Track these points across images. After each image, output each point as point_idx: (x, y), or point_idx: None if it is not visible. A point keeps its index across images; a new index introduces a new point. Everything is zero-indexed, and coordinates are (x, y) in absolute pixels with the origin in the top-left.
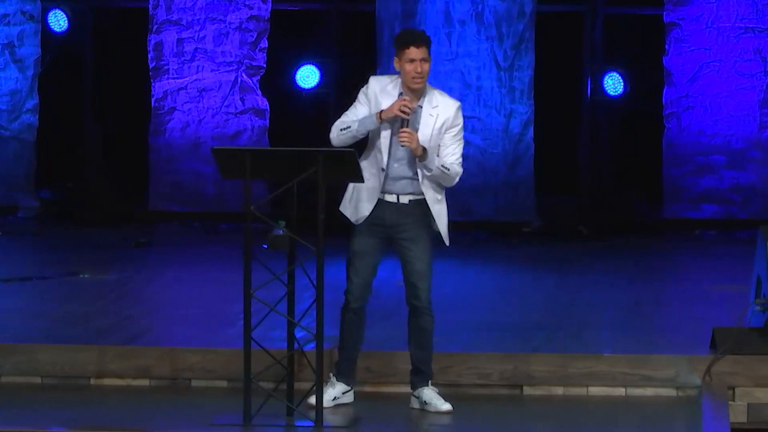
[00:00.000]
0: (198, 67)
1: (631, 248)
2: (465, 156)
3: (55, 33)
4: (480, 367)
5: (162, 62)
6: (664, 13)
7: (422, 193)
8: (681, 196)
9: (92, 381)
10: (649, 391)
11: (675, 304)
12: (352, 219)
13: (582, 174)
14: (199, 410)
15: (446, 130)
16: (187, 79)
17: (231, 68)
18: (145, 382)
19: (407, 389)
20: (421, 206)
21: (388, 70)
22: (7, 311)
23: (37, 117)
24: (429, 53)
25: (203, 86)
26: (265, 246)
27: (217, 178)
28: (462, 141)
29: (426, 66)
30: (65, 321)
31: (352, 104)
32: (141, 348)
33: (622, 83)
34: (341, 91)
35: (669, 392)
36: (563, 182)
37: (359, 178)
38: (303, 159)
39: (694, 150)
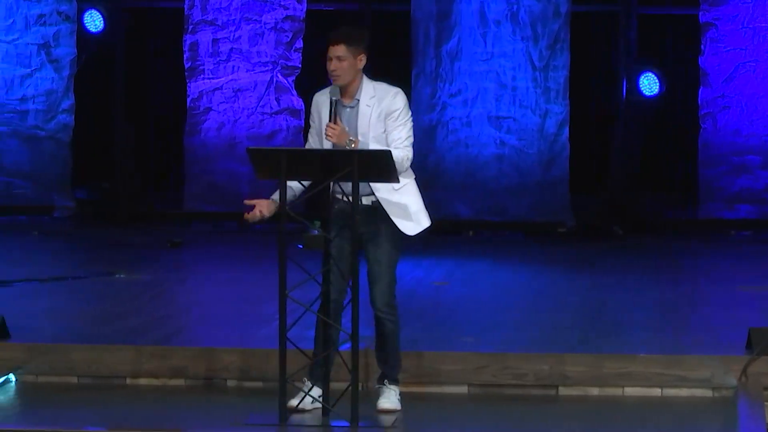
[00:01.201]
0: (233, 67)
1: (665, 248)
2: (500, 156)
3: (91, 33)
4: (515, 367)
5: (197, 62)
6: (700, 13)
7: (372, 193)
8: (716, 196)
9: (128, 381)
10: (684, 392)
11: (710, 304)
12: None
13: (617, 174)
14: (234, 410)
15: (387, 116)
16: (222, 79)
17: (266, 68)
18: (180, 382)
19: (441, 389)
20: (376, 207)
21: (423, 70)
22: (43, 311)
23: (73, 117)
24: (350, 50)
25: (239, 86)
26: (300, 246)
27: (252, 178)
28: (408, 123)
29: (342, 64)
30: (101, 321)
31: None
32: (176, 348)
33: (658, 83)
34: None
35: (704, 393)
36: (598, 182)
37: (394, 178)
38: (338, 159)
39: (730, 150)
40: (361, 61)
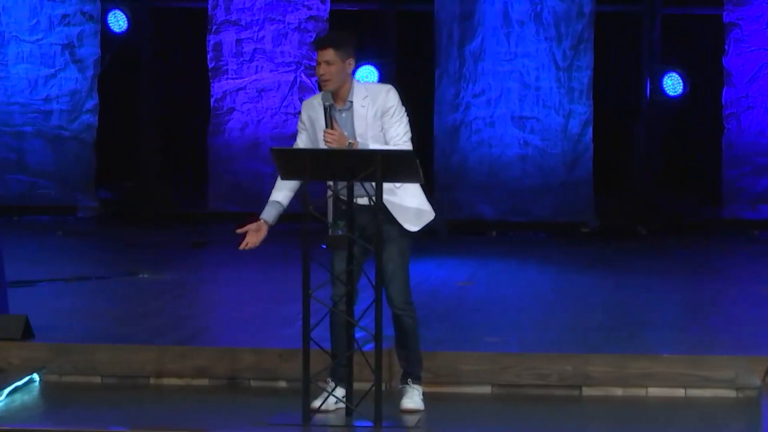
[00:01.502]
0: (257, 67)
1: (689, 249)
2: (523, 157)
3: (115, 33)
4: (539, 367)
5: (221, 62)
6: (724, 13)
7: (367, 194)
8: (739, 196)
9: (151, 380)
10: (708, 392)
11: (734, 304)
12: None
13: (640, 174)
14: (257, 410)
15: (382, 115)
16: (246, 79)
17: (290, 68)
18: (204, 382)
19: (465, 389)
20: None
21: (446, 71)
22: (67, 311)
23: (97, 117)
24: (339, 54)
25: (262, 86)
26: (324, 246)
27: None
28: (404, 119)
29: (330, 68)
30: (124, 321)
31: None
32: (200, 348)
33: (682, 83)
34: (399, 90)
35: (728, 393)
36: (621, 183)
37: (418, 178)
38: (361, 159)
39: (754, 150)
40: (350, 65)
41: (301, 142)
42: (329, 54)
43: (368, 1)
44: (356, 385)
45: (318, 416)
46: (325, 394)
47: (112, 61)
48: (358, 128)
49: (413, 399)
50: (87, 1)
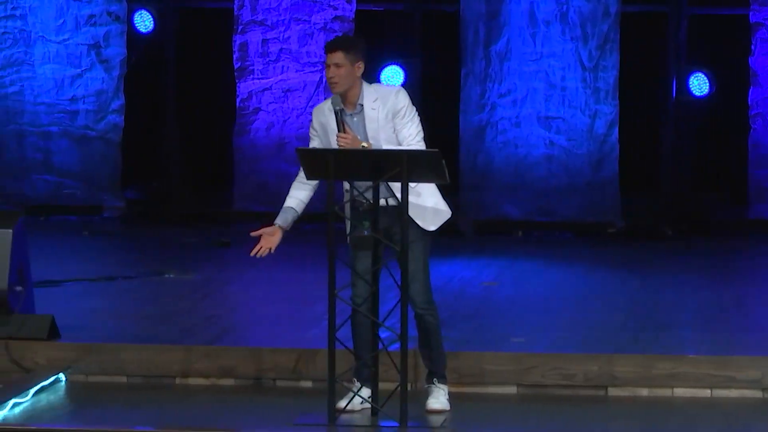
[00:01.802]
0: (283, 67)
1: (715, 249)
2: (549, 157)
3: (141, 33)
4: (564, 368)
5: (247, 63)
6: (750, 13)
7: (393, 194)
8: (766, 196)
9: (177, 380)
10: (734, 393)
11: (760, 305)
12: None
13: (666, 175)
14: (283, 410)
15: (393, 116)
16: (271, 79)
17: (316, 68)
18: (230, 382)
19: (491, 389)
20: (400, 206)
21: (472, 71)
22: (93, 311)
23: (123, 117)
24: (348, 57)
25: (288, 86)
26: (349, 246)
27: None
28: (415, 119)
29: (339, 70)
30: (150, 320)
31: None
32: (226, 348)
33: (708, 84)
34: (426, 90)
35: (754, 394)
36: (647, 183)
37: (444, 179)
38: (387, 159)
39: None
40: (359, 68)
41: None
42: (338, 57)
43: (394, 1)
44: (382, 386)
45: (343, 416)
46: (351, 395)
47: (138, 61)
48: (370, 131)
49: (439, 399)
50: (113, 2)
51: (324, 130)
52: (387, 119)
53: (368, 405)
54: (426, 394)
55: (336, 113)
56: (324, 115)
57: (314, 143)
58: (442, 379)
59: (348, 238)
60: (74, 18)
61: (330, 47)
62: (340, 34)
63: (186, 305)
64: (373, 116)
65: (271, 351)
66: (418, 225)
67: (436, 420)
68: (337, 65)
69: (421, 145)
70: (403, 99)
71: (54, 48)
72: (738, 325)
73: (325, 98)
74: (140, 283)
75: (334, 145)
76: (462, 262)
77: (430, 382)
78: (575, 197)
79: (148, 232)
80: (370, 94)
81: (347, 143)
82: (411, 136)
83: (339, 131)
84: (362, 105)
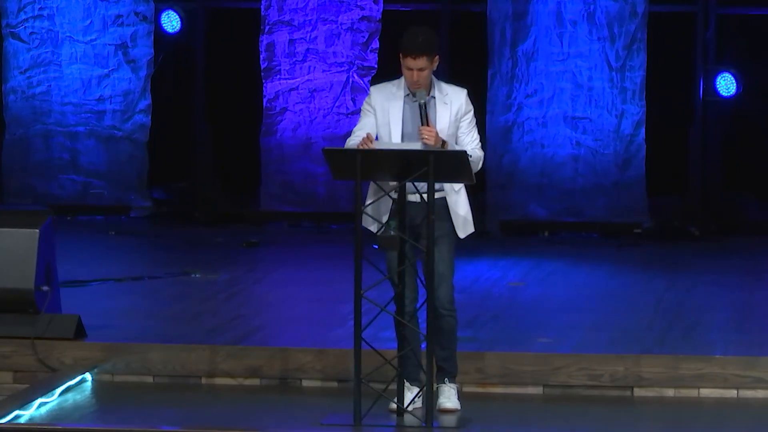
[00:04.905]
0: (309, 67)
1: (742, 250)
2: (576, 157)
3: (168, 34)
4: (591, 368)
5: (274, 63)
6: None
7: (442, 189)
8: None
9: (203, 380)
10: (760, 393)
11: None
12: (374, 228)
13: (693, 175)
14: (309, 410)
15: (461, 118)
16: (298, 79)
17: (342, 69)
18: (256, 382)
19: (517, 390)
20: (441, 203)
21: (499, 71)
22: (120, 311)
23: (150, 117)
24: (430, 60)
25: (315, 87)
26: (376, 246)
27: (329, 178)
28: (476, 126)
29: (423, 73)
30: (177, 320)
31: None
32: (252, 348)
33: (735, 84)
34: None
35: None
36: (674, 183)
37: (470, 178)
38: (413, 159)
39: None
40: (437, 62)
41: (366, 125)
42: (423, 62)
43: (421, 1)
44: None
45: (369, 417)
46: (408, 394)
47: (165, 62)
48: (440, 124)
49: (451, 399)
50: (140, 2)
51: (384, 111)
52: (456, 117)
53: (418, 405)
54: (437, 394)
55: (420, 106)
56: (388, 99)
57: (368, 119)
58: (453, 379)
59: (376, 238)
60: (101, 18)
61: (414, 52)
62: (419, 36)
63: (212, 305)
64: (445, 112)
65: (297, 351)
66: (451, 220)
67: (449, 420)
68: (422, 69)
69: (480, 152)
70: (470, 104)
71: (81, 48)
72: (765, 325)
73: (351, 99)
74: (167, 283)
75: (396, 130)
76: (488, 263)
77: (441, 381)
78: (602, 198)
79: (175, 232)
80: (440, 87)
81: (431, 136)
82: (475, 140)
83: (422, 124)
84: (434, 97)
